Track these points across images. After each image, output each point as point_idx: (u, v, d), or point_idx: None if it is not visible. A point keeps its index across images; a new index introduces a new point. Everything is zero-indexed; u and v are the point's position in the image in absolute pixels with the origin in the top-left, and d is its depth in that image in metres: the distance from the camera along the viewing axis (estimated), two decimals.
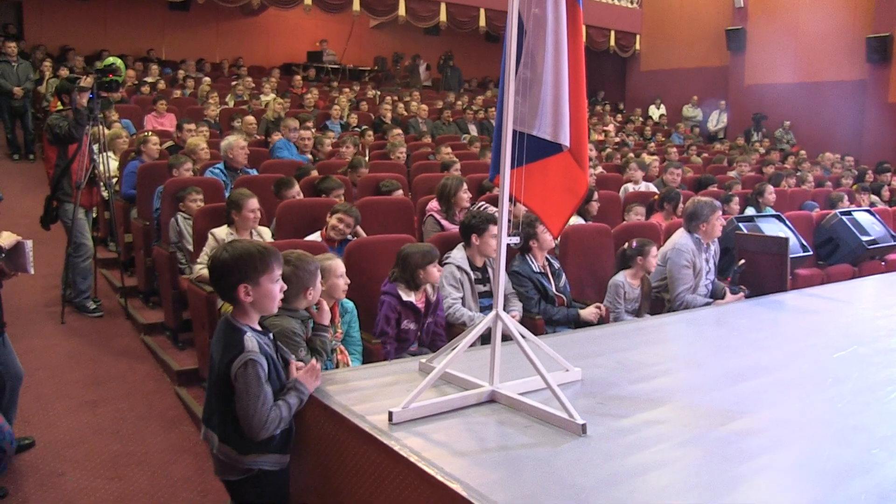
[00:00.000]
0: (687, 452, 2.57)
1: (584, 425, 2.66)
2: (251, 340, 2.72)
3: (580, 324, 4.95)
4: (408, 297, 4.30)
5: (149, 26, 17.37)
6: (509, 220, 2.99)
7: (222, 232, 5.13)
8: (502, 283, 3.04)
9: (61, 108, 6.56)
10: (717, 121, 18.09)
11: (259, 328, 2.86)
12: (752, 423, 2.84)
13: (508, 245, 3.02)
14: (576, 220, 6.31)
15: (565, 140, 2.94)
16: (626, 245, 5.33)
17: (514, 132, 2.93)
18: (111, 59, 6.94)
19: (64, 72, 12.11)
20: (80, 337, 6.11)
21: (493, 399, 3.01)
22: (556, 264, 5.15)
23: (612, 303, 5.26)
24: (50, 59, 13.77)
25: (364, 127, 11.63)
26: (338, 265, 3.75)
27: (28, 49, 14.43)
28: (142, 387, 5.28)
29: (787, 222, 6.93)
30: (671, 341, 4.16)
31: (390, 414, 2.74)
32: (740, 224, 6.45)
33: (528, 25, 2.98)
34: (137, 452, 4.39)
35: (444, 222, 5.76)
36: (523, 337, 2.99)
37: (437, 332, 4.48)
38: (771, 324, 4.51)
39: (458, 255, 4.77)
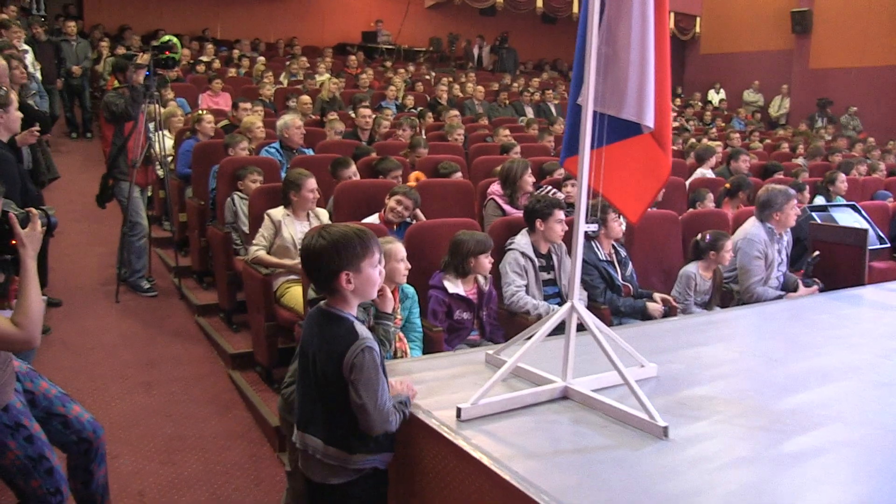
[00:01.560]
0: (779, 462, 2.37)
1: (665, 428, 2.47)
2: (362, 328, 2.49)
3: (647, 315, 4.75)
4: (455, 288, 4.15)
5: (204, 5, 17.43)
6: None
7: (279, 213, 5.01)
8: (578, 272, 2.86)
9: (118, 86, 6.51)
10: (779, 106, 17.55)
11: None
12: (848, 431, 2.62)
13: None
14: None
15: (649, 121, 2.74)
16: (700, 236, 5.08)
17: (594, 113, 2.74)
18: (168, 37, 6.87)
19: (121, 50, 12.13)
20: (135, 317, 6.07)
21: (565, 395, 2.83)
22: (623, 252, 4.94)
23: (681, 294, 5.04)
24: (107, 39, 13.85)
25: (421, 108, 11.47)
26: (398, 249, 3.60)
27: (87, 29, 14.55)
28: (196, 369, 5.21)
29: (863, 212, 6.61)
30: (746, 336, 3.91)
31: (458, 410, 2.58)
32: (813, 214, 6.16)
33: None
34: (191, 437, 4.31)
35: (506, 206, 5.57)
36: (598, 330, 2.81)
37: (492, 323, 4.32)
38: (852, 320, 4.24)
39: (522, 240, 4.58)
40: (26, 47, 9.42)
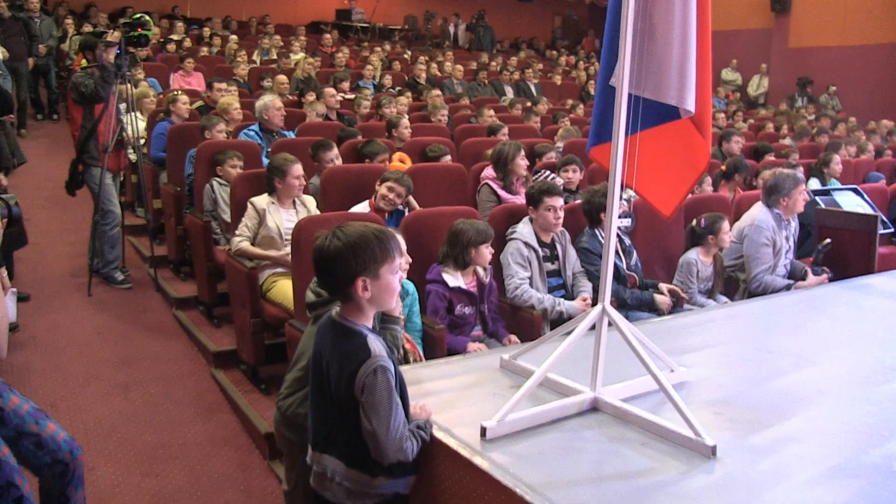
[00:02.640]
0: (844, 483, 2.14)
1: (713, 447, 2.23)
2: (375, 343, 2.20)
3: (653, 307, 4.53)
4: (455, 281, 3.88)
5: None
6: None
7: (263, 201, 4.71)
8: (610, 271, 2.59)
9: (86, 65, 6.12)
10: (757, 85, 17.38)
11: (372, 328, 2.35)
12: None
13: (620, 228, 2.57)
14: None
15: (690, 105, 2.48)
16: (696, 222, 4.86)
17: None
18: (139, 14, 6.48)
19: (87, 28, 11.66)
20: (109, 311, 5.73)
21: (595, 407, 2.59)
22: (627, 241, 4.68)
23: (684, 282, 4.81)
24: (72, 16, 13.34)
25: (399, 87, 11.14)
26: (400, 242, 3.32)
27: (50, 6, 13.99)
28: (176, 368, 4.90)
29: (865, 195, 6.42)
30: (771, 332, 3.65)
31: (483, 429, 2.32)
32: (817, 198, 5.95)
33: None
34: (174, 444, 4.01)
35: (501, 192, 5.30)
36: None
37: (494, 317, 4.07)
38: (875, 312, 4.03)
39: (524, 229, 4.31)
40: None
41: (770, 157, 8.22)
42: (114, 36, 5.87)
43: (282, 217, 4.69)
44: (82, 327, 5.43)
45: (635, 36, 2.47)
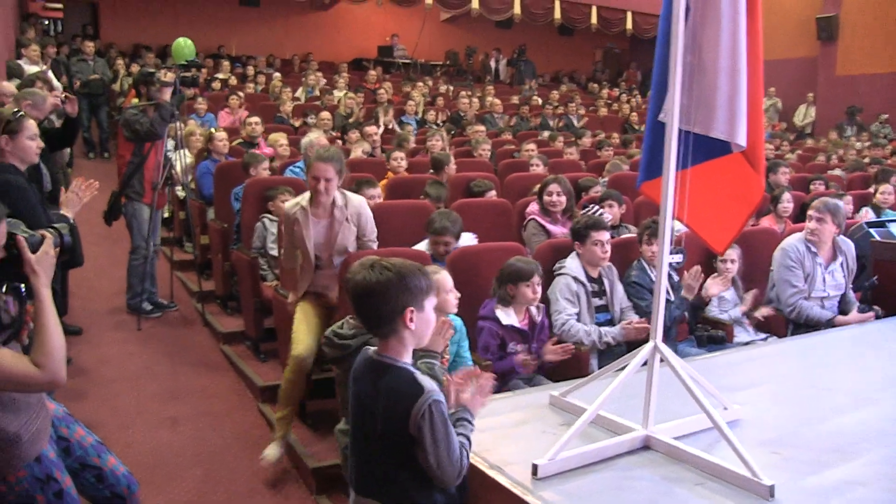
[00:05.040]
0: None
1: (771, 487, 2.18)
2: (424, 378, 2.19)
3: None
4: (508, 318, 3.85)
5: (219, 22, 17.35)
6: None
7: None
8: (662, 307, 2.57)
9: (138, 103, 6.26)
10: (804, 115, 17.19)
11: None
12: None
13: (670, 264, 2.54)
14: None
15: (741, 139, 2.46)
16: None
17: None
18: (181, 41, 6.64)
19: (136, 69, 11.99)
20: (157, 345, 5.80)
21: (647, 445, 2.55)
22: (676, 277, 4.63)
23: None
24: (122, 57, 13.71)
25: (445, 122, 11.22)
26: (446, 278, 3.32)
27: (103, 47, 14.42)
28: (223, 403, 4.93)
29: None
30: (825, 369, 3.56)
31: (534, 467, 2.30)
32: (871, 230, 5.81)
33: (693, 2, 2.49)
34: (222, 479, 4.03)
35: (549, 226, 5.28)
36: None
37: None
38: None
39: (572, 264, 4.28)
40: (44, 66, 9.23)
41: (820, 187, 8.07)
42: (168, 76, 6.01)
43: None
44: (131, 361, 5.50)
45: (684, 70, 2.47)
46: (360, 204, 4.31)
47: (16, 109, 4.21)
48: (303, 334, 4.10)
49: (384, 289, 2.18)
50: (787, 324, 4.90)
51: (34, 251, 2.30)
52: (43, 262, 2.31)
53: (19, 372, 2.20)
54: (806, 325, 4.84)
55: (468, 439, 2.24)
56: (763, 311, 4.80)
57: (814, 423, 2.81)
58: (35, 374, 2.21)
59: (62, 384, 2.36)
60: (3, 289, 2.34)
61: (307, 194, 4.19)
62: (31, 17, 13.36)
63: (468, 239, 4.69)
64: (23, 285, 2.32)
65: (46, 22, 13.82)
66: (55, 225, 2.59)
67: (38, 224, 2.74)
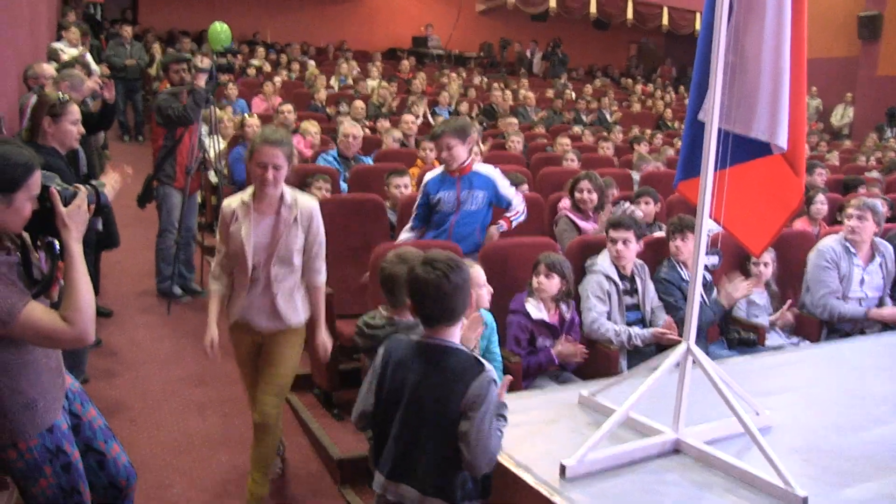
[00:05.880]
0: None
1: (805, 498, 2.14)
2: (481, 357, 2.36)
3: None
4: (539, 313, 3.85)
5: (254, 10, 17.41)
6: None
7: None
8: (696, 309, 2.53)
9: (171, 88, 6.29)
10: (841, 115, 16.92)
11: None
12: None
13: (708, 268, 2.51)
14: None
15: (782, 141, 2.42)
16: None
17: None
18: (217, 25, 6.65)
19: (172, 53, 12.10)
20: (187, 330, 5.83)
21: (677, 449, 2.52)
22: (709, 277, 4.58)
23: (747, 315, 4.77)
24: (159, 42, 13.80)
25: (477, 114, 11.18)
26: (480, 273, 3.31)
27: (140, 32, 14.56)
28: None
29: None
30: (863, 375, 3.48)
31: (562, 467, 2.28)
32: None
33: (736, 1, 2.45)
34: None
35: (580, 223, 5.24)
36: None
37: None
38: None
39: (604, 262, 4.25)
40: (83, 49, 9.32)
41: (862, 190, 7.94)
42: (204, 62, 6.03)
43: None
44: (161, 345, 5.54)
45: (726, 69, 2.43)
46: (312, 208, 3.51)
47: (60, 93, 4.24)
48: (249, 387, 3.73)
49: (461, 288, 2.33)
50: (820, 328, 4.84)
51: (66, 205, 2.29)
52: (75, 217, 2.30)
53: (49, 326, 2.22)
54: (840, 330, 4.79)
55: (501, 432, 2.30)
56: (788, 316, 4.72)
57: (848, 432, 2.76)
58: (64, 329, 2.23)
59: (90, 341, 2.38)
60: (37, 243, 2.36)
61: (249, 190, 3.46)
62: (72, 1, 13.50)
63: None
64: (57, 241, 2.31)
65: (88, 6, 13.97)
66: (92, 182, 2.58)
67: None
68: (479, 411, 2.20)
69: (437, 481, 2.27)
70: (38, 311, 2.22)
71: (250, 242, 3.38)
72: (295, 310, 3.53)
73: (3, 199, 2.18)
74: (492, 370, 2.28)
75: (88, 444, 2.69)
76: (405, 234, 4.62)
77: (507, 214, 4.60)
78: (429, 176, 4.66)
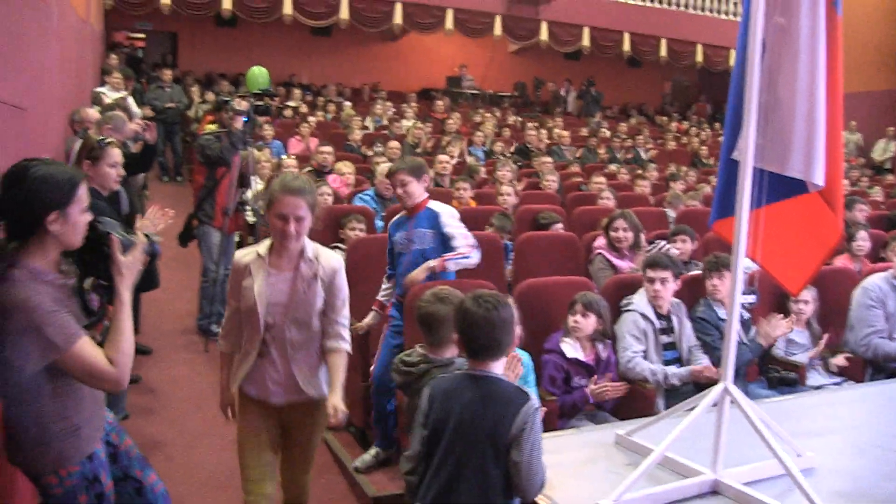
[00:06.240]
0: None
1: None
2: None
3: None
4: (574, 352, 3.85)
5: (291, 52, 17.73)
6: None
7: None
8: (733, 348, 2.51)
9: (213, 129, 6.43)
10: (883, 150, 16.73)
11: None
12: None
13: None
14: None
15: (818, 179, 2.41)
16: None
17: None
18: (256, 69, 6.75)
19: (210, 96, 12.35)
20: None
21: (715, 490, 2.48)
22: (746, 315, 4.54)
23: (785, 353, 4.71)
24: (198, 84, 14.11)
25: (512, 152, 11.24)
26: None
27: (180, 75, 14.90)
28: None
29: None
30: None
31: None
32: None
33: (769, 39, 2.46)
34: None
35: (616, 262, 5.24)
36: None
37: None
38: None
39: (640, 301, 4.24)
40: (125, 93, 9.55)
41: None
42: (242, 105, 6.15)
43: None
44: (199, 382, 5.60)
45: (759, 108, 2.43)
46: (335, 264, 3.14)
47: (101, 137, 4.35)
48: (254, 471, 3.22)
49: (508, 323, 2.46)
50: (864, 367, 4.76)
51: (125, 253, 2.42)
52: (131, 266, 2.43)
53: (95, 363, 2.30)
54: (885, 370, 4.70)
55: None
56: (838, 360, 4.66)
57: (894, 477, 2.70)
58: (107, 369, 2.31)
59: (125, 386, 2.46)
60: (90, 283, 2.46)
61: (266, 242, 3.14)
62: (115, 46, 13.87)
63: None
64: (106, 283, 2.43)
65: (128, 50, 14.38)
66: (148, 234, 2.68)
67: None
68: (528, 439, 2.28)
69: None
70: (88, 346, 2.30)
71: (263, 300, 3.01)
72: (316, 381, 3.12)
73: (61, 215, 2.29)
74: (536, 399, 2.37)
75: (126, 472, 2.76)
76: (383, 284, 4.49)
77: (446, 254, 4.20)
78: (394, 220, 4.53)
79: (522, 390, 2.41)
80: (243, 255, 3.13)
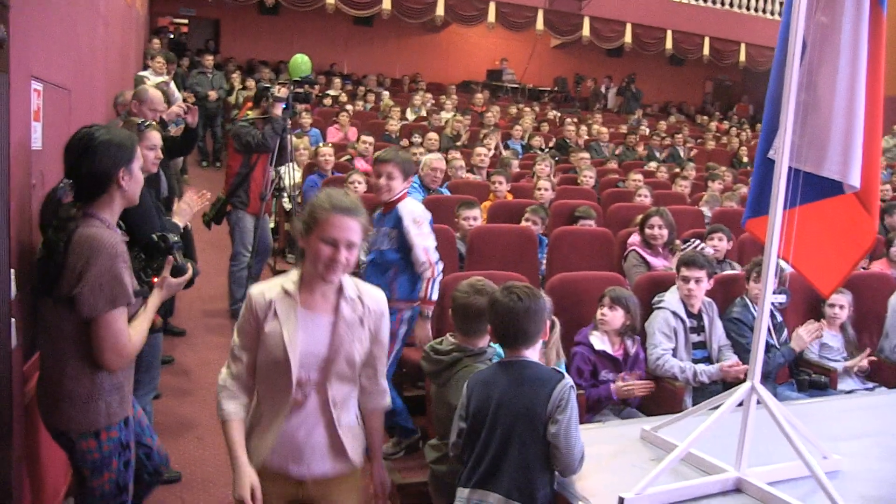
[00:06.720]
0: None
1: None
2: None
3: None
4: (602, 345, 3.84)
5: (333, 41, 17.83)
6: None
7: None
8: (762, 346, 2.50)
9: (250, 116, 6.45)
10: None
11: None
12: None
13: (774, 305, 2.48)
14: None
15: (855, 180, 2.39)
16: None
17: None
18: (298, 57, 6.79)
19: (251, 83, 12.47)
20: None
21: (739, 488, 2.48)
22: (779, 317, 4.50)
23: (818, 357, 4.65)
24: (239, 71, 14.25)
25: (550, 148, 11.21)
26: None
27: (222, 61, 15.05)
28: None
29: None
30: None
31: (621, 500, 2.27)
32: None
33: (810, 38, 2.44)
34: None
35: (650, 259, 5.22)
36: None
37: None
38: None
39: (672, 299, 4.22)
40: (166, 78, 9.67)
41: None
42: (282, 92, 6.20)
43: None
44: None
45: (797, 108, 2.42)
46: (383, 305, 2.54)
47: (141, 120, 4.41)
48: None
49: (537, 313, 2.56)
50: None
51: (174, 275, 2.74)
52: (170, 287, 2.76)
53: (124, 333, 2.51)
54: None
55: None
56: (861, 363, 4.59)
57: None
58: (128, 345, 2.52)
59: (114, 368, 2.56)
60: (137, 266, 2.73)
61: (294, 274, 2.45)
62: (159, 31, 14.03)
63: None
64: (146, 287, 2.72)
65: (172, 35, 14.56)
66: (192, 264, 2.92)
67: (152, 227, 2.97)
68: (565, 415, 2.38)
69: (521, 485, 2.41)
70: (125, 317, 2.51)
71: (296, 351, 2.35)
72: (359, 445, 2.52)
73: (127, 172, 2.55)
74: (570, 380, 2.46)
75: (138, 439, 2.94)
76: None
77: (422, 289, 4.09)
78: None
79: (556, 370, 2.54)
80: (264, 291, 2.42)
